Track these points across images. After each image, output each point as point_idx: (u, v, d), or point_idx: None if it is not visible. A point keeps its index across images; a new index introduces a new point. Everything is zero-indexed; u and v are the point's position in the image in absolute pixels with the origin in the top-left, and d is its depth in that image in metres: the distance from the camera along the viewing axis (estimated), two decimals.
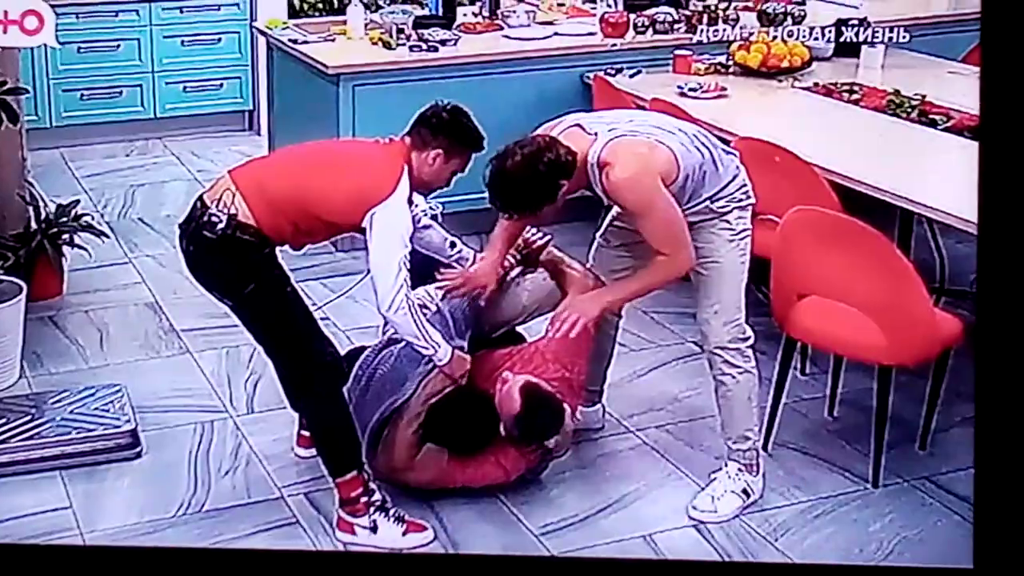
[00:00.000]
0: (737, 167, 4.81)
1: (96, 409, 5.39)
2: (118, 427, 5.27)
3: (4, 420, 5.28)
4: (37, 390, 5.71)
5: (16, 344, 5.83)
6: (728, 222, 4.77)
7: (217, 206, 4.55)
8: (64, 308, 6.57)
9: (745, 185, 4.80)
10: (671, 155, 4.60)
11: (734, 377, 4.88)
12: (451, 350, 4.80)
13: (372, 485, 4.77)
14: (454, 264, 5.12)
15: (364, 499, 4.73)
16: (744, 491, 4.96)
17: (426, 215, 5.18)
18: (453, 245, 5.16)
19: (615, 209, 4.97)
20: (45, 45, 7.75)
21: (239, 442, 5.34)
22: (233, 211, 4.52)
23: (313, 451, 5.01)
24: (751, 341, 4.89)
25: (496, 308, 5.22)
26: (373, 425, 4.94)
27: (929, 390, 5.21)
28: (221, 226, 4.53)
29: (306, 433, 5.13)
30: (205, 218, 4.56)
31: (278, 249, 4.70)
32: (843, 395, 5.61)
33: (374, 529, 4.73)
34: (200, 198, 4.64)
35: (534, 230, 5.14)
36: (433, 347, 4.72)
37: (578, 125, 4.71)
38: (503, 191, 4.61)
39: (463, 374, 4.88)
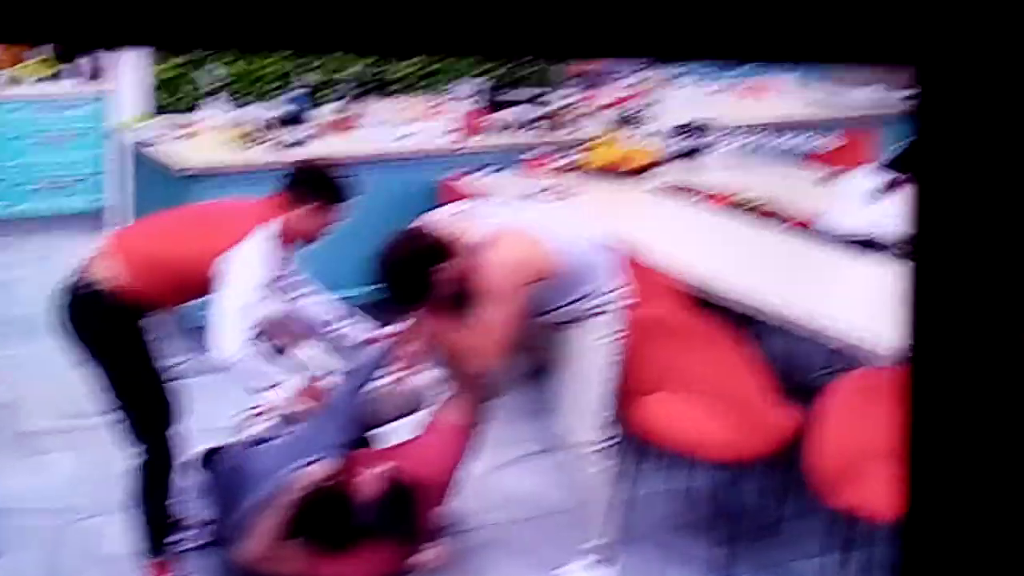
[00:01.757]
0: (615, 267, 4.91)
1: None
2: None
3: None
4: None
5: None
6: (599, 325, 4.84)
7: (89, 269, 4.70)
8: None
9: (621, 288, 4.89)
10: (553, 250, 4.67)
11: (586, 478, 4.94)
12: (295, 384, 4.91)
13: (180, 572, 4.88)
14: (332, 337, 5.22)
15: None
16: None
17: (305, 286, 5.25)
18: (327, 324, 5.24)
19: None
20: None
21: (93, 545, 5.28)
22: (107, 275, 4.66)
23: None
24: (610, 441, 4.95)
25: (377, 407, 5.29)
26: (238, 519, 4.96)
27: (778, 481, 5.34)
28: (96, 289, 4.66)
29: None
30: (80, 283, 4.70)
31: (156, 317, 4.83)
32: (695, 488, 5.72)
33: None
34: (81, 262, 4.78)
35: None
36: (274, 382, 4.84)
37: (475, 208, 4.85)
38: (384, 284, 4.65)
39: (316, 406, 4.97)
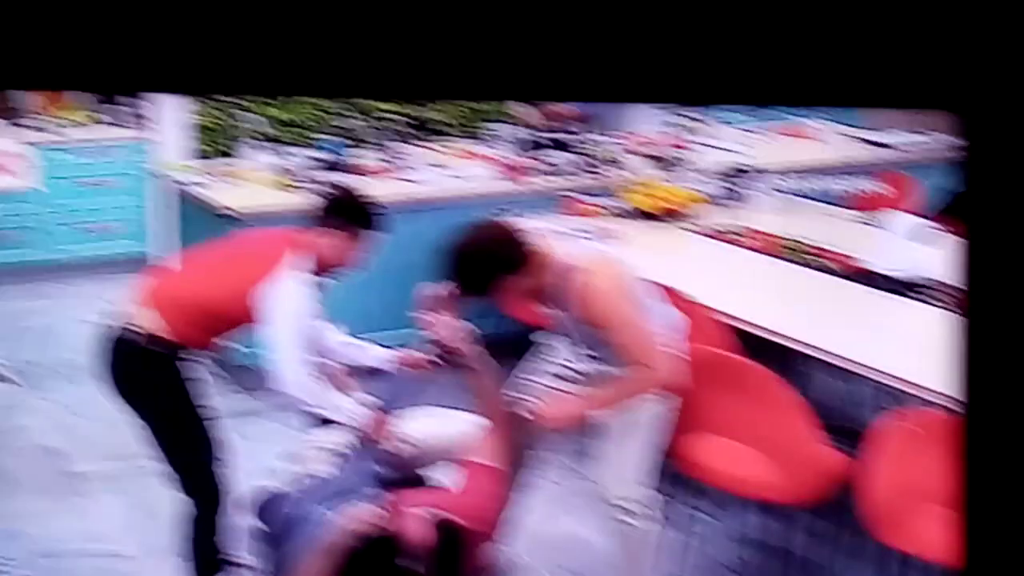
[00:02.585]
0: (675, 330, 4.87)
1: None
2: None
3: None
4: None
5: None
6: None
7: (125, 318, 4.68)
8: None
9: (677, 344, 4.83)
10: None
11: (627, 533, 4.92)
12: (365, 411, 4.85)
13: None
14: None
15: None
16: None
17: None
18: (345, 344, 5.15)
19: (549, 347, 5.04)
20: None
21: None
22: (146, 324, 4.64)
23: None
24: (648, 500, 4.91)
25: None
26: (287, 563, 4.96)
27: (830, 527, 5.31)
28: (136, 340, 4.64)
29: None
30: (117, 333, 4.68)
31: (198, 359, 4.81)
32: (745, 535, 5.70)
33: None
34: (118, 311, 4.75)
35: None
36: (343, 412, 4.79)
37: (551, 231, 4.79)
38: (449, 258, 4.58)
39: (384, 434, 4.93)
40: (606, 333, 4.60)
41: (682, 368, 4.83)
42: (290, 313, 4.60)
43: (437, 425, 5.37)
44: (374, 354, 5.15)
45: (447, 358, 5.04)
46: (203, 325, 4.73)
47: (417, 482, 5.28)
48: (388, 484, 5.14)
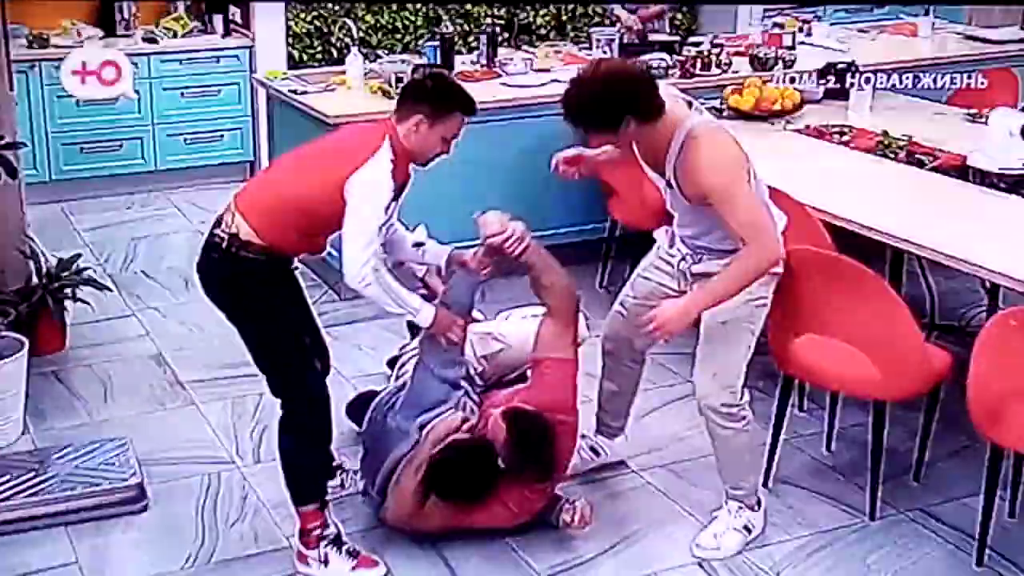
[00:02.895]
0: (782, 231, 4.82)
1: (101, 463, 5.39)
2: (124, 481, 5.27)
3: (8, 476, 5.27)
4: (41, 445, 5.70)
5: (19, 400, 5.83)
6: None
7: (220, 227, 4.58)
8: (67, 362, 6.58)
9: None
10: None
11: (723, 436, 4.92)
12: (434, 310, 4.81)
13: (330, 520, 4.84)
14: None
15: (316, 532, 4.79)
16: (746, 527, 5.03)
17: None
18: (419, 245, 5.06)
19: (653, 256, 5.04)
20: (63, 96, 7.98)
21: (246, 492, 5.36)
22: (233, 230, 4.54)
23: None
24: (745, 404, 4.90)
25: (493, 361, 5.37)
26: (382, 476, 5.01)
27: (922, 424, 5.29)
28: (224, 244, 4.55)
29: None
30: (210, 238, 4.61)
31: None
32: (839, 431, 5.69)
33: (325, 562, 4.80)
34: (218, 217, 4.65)
35: (518, 230, 5.04)
36: (411, 311, 4.75)
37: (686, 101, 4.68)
38: (569, 94, 4.53)
39: (454, 330, 4.95)
40: (719, 205, 4.51)
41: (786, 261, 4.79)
42: (369, 206, 4.46)
43: (516, 324, 5.39)
44: (441, 254, 5.08)
45: (507, 261, 5.04)
46: (294, 226, 4.57)
47: (500, 384, 5.32)
48: (475, 388, 5.17)
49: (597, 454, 5.51)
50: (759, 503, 5.08)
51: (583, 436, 5.44)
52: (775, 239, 4.62)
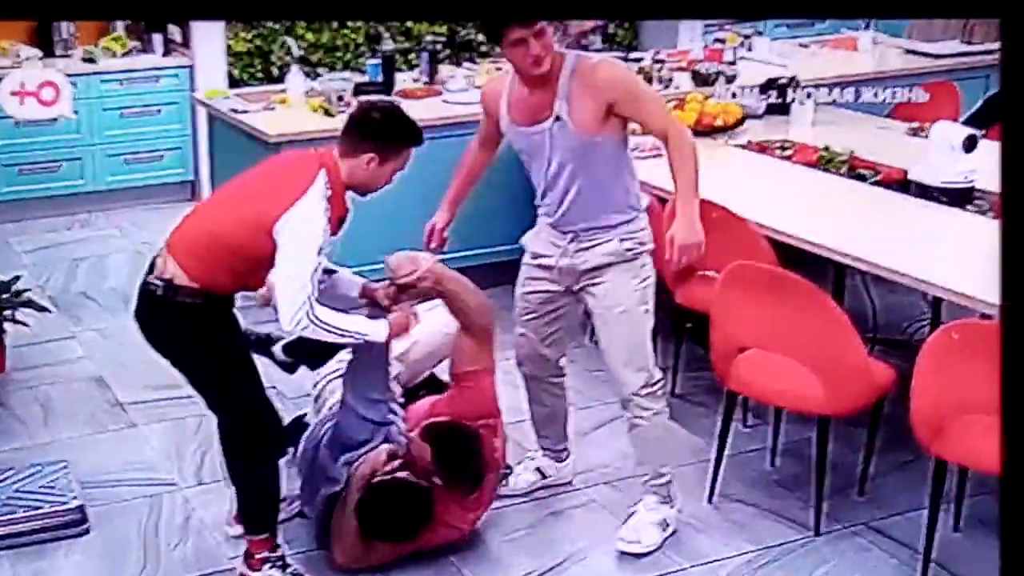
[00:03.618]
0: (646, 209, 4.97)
1: (42, 487, 5.33)
2: (65, 504, 5.21)
3: None
4: None
5: None
6: (634, 268, 4.87)
7: (153, 273, 4.47)
8: (7, 385, 6.51)
9: (647, 229, 4.92)
10: None
11: (646, 419, 4.99)
12: (384, 323, 4.70)
13: (278, 543, 4.82)
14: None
15: (261, 556, 4.77)
16: (663, 522, 5.10)
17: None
18: (330, 273, 4.93)
19: (526, 270, 5.09)
20: (1, 116, 7.92)
21: (188, 514, 5.32)
22: (168, 276, 4.43)
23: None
24: (661, 383, 5.00)
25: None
26: (316, 516, 5.00)
27: (866, 438, 5.33)
28: (160, 292, 4.44)
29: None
30: (146, 286, 4.49)
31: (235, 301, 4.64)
32: (784, 446, 5.70)
33: None
34: (152, 261, 4.55)
35: (428, 265, 5.02)
36: (359, 337, 4.61)
37: None
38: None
39: (407, 327, 4.89)
40: (631, 103, 4.69)
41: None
42: (302, 247, 4.33)
43: (422, 318, 5.38)
44: (353, 285, 5.01)
45: (418, 293, 5.02)
46: (226, 266, 4.45)
47: (415, 396, 5.31)
48: (398, 413, 5.14)
49: (544, 475, 5.50)
50: (673, 500, 5.15)
51: (531, 457, 5.45)
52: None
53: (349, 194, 4.56)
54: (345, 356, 5.06)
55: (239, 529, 5.01)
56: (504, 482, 5.31)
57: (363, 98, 7.34)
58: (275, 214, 4.32)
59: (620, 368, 4.95)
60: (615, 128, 4.72)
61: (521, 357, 5.29)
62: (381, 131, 4.52)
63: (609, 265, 4.85)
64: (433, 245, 5.20)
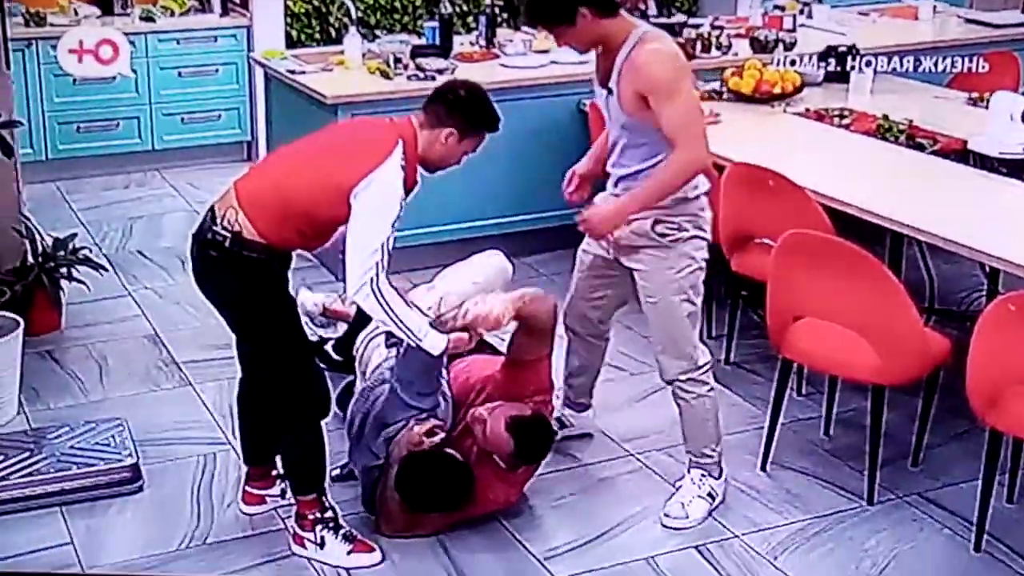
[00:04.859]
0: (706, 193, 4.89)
1: (96, 444, 5.38)
2: (119, 461, 5.26)
3: (2, 457, 5.25)
4: (36, 425, 5.69)
5: (13, 380, 5.82)
6: (671, 257, 4.82)
7: (222, 223, 4.43)
8: (63, 342, 6.57)
9: (697, 216, 4.85)
10: None
11: (689, 402, 5.00)
12: (445, 337, 4.62)
13: (328, 503, 4.82)
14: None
15: (313, 516, 4.78)
16: (710, 495, 5.08)
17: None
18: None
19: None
20: (60, 74, 7.95)
21: (241, 473, 5.30)
22: (236, 228, 4.40)
23: (258, 508, 5.06)
24: (706, 367, 4.97)
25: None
26: (363, 484, 5.01)
27: (920, 408, 5.28)
28: (226, 244, 4.41)
29: (251, 490, 5.11)
30: (210, 235, 4.45)
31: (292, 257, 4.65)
32: (838, 415, 5.67)
33: (321, 544, 4.78)
34: (212, 208, 4.52)
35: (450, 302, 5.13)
36: (415, 337, 4.54)
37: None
38: None
39: (465, 347, 4.83)
40: (657, 103, 4.56)
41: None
42: (377, 216, 4.32)
43: (446, 280, 5.36)
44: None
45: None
46: (295, 226, 4.45)
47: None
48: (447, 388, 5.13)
49: (563, 425, 5.52)
50: (721, 472, 5.13)
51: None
52: (705, 146, 4.68)
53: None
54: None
55: (255, 508, 5.08)
56: None
57: (425, 60, 7.36)
58: (354, 179, 4.32)
59: (659, 354, 4.99)
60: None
61: (567, 309, 5.31)
62: (466, 109, 4.52)
63: (643, 248, 4.83)
64: (570, 189, 5.15)
